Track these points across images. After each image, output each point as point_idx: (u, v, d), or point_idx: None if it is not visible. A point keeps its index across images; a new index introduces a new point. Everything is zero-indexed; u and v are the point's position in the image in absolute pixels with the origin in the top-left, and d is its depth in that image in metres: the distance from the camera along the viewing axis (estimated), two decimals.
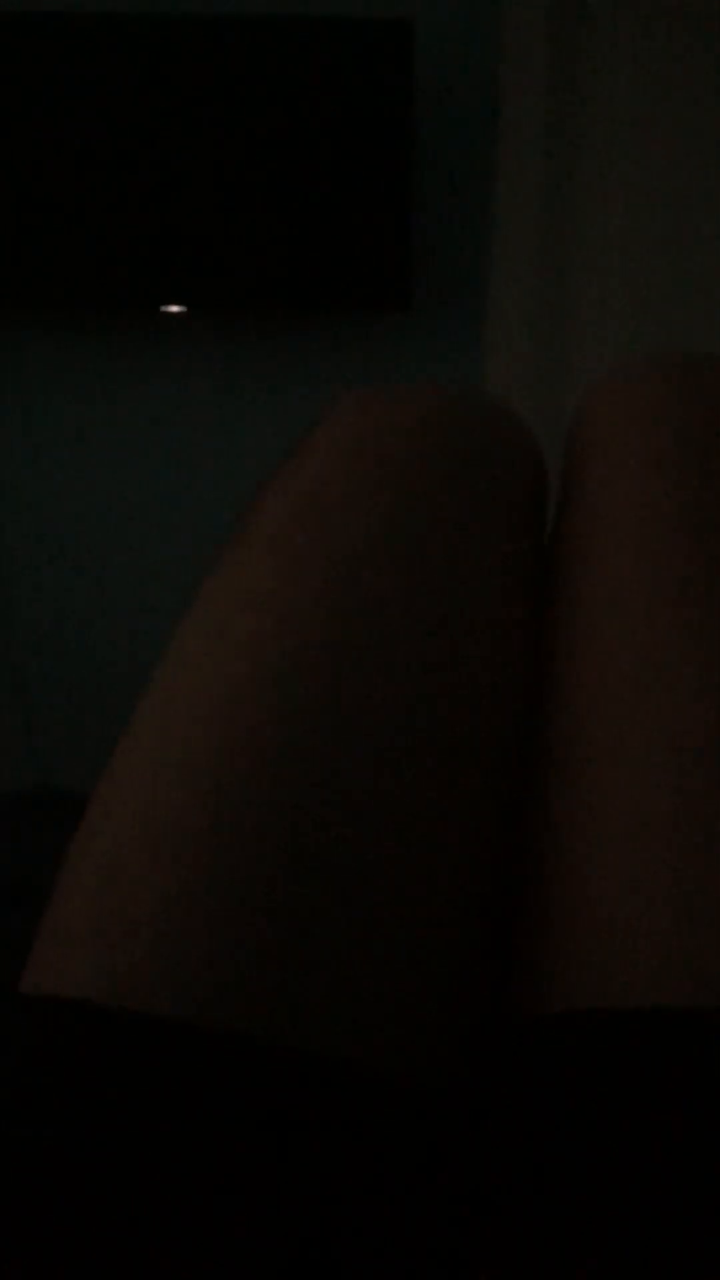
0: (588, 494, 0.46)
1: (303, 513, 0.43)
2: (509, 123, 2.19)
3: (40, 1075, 0.27)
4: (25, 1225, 0.24)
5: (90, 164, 2.09)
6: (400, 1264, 0.25)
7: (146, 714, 0.38)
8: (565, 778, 0.37)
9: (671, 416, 0.46)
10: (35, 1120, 0.26)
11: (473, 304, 2.27)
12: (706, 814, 0.33)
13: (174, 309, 2.16)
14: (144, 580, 2.36)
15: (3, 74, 2.05)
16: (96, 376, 2.30)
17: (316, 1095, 0.28)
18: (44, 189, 2.09)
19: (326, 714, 0.36)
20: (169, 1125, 0.26)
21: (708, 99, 2.25)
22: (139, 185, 2.09)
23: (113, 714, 2.41)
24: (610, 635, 0.40)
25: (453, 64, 2.20)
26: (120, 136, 2.08)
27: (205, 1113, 0.26)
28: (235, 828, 0.33)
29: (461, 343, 2.28)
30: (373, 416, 0.47)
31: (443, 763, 0.36)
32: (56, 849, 2.09)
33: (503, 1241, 0.25)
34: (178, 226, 2.10)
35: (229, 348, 2.29)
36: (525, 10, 2.16)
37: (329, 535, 0.42)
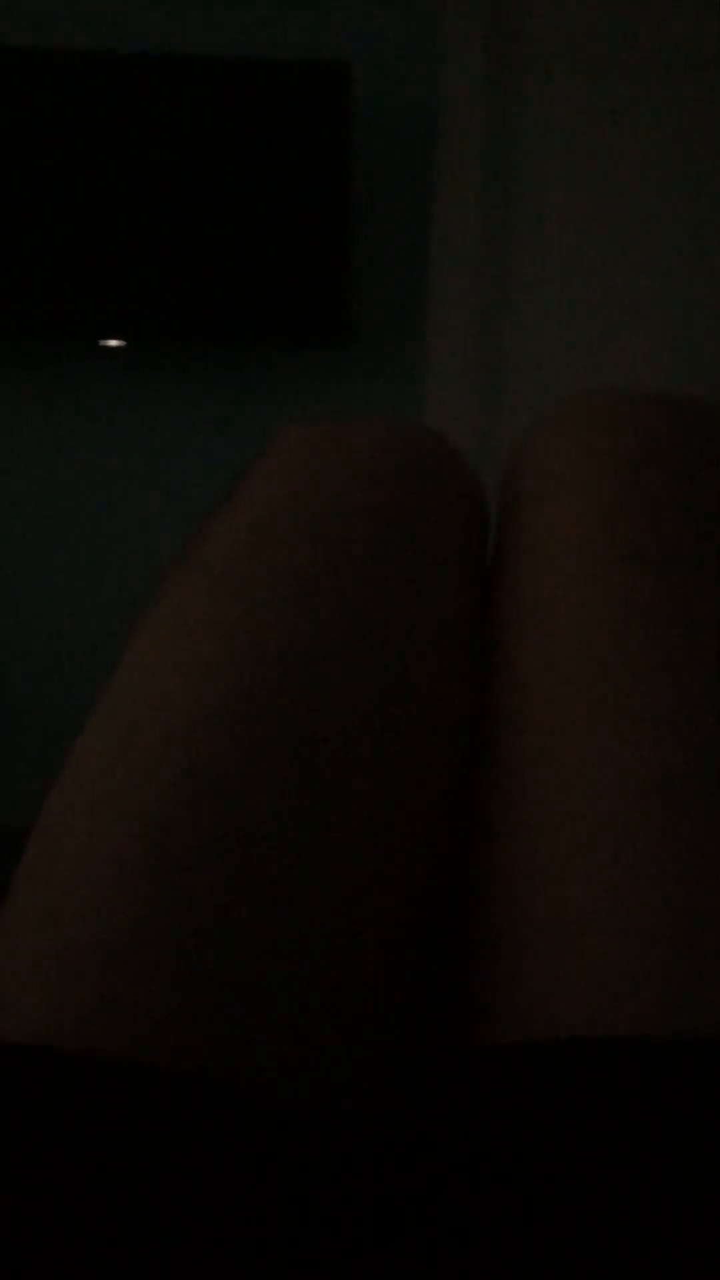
0: (527, 525, 0.47)
1: (248, 545, 0.43)
2: (447, 160, 2.22)
3: None
4: None
5: (27, 198, 2.08)
6: None
7: (89, 745, 0.38)
8: (511, 805, 0.37)
9: (607, 448, 0.46)
10: None
11: (412, 339, 2.29)
12: (653, 841, 0.33)
13: (113, 343, 2.15)
14: (75, 614, 2.34)
15: None
16: (34, 410, 2.28)
17: (262, 1134, 0.27)
18: None
19: (272, 746, 0.35)
20: (112, 1168, 0.25)
21: (644, 139, 2.30)
22: (77, 220, 2.09)
23: (41, 745, 2.37)
24: (553, 663, 0.40)
25: (391, 104, 2.23)
26: (57, 172, 2.08)
27: (149, 1154, 0.26)
28: (180, 862, 0.32)
29: (401, 377, 2.29)
30: (318, 450, 0.47)
31: (389, 792, 0.36)
32: None
33: (452, 1272, 0.25)
34: (117, 261, 2.09)
35: (168, 382, 2.28)
36: (463, 51, 2.20)
37: (274, 567, 0.41)
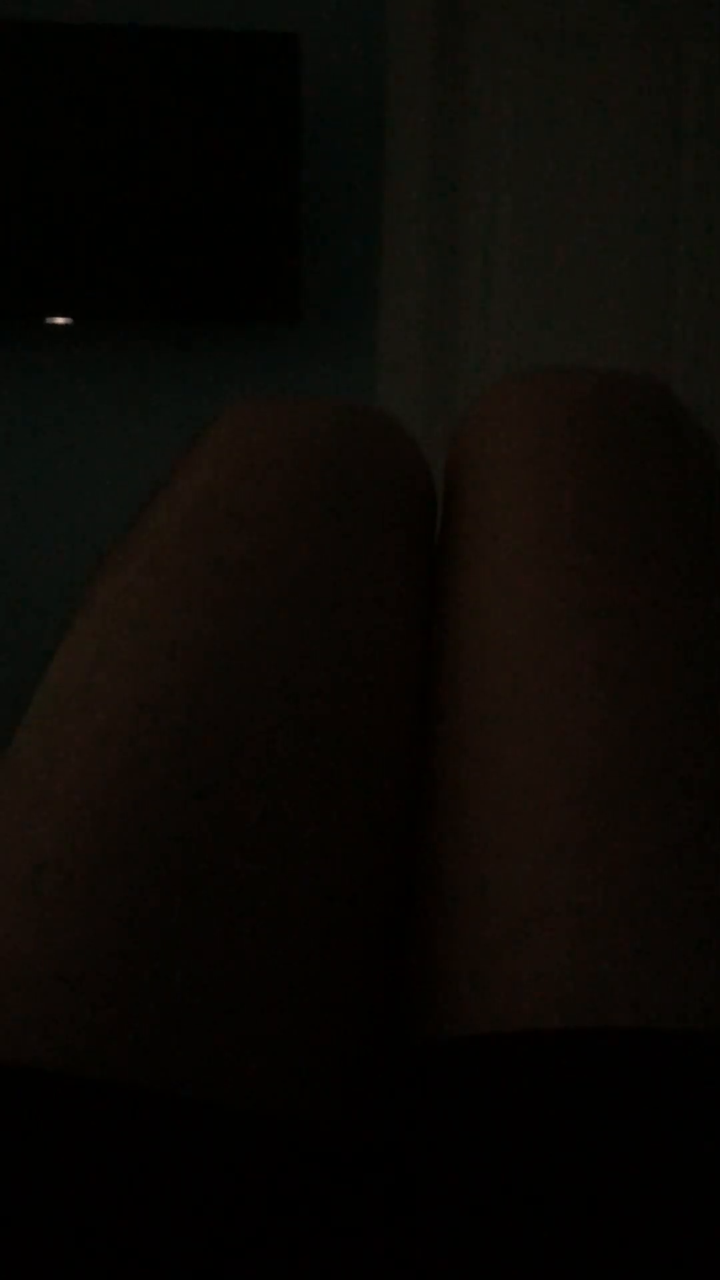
0: (471, 507, 0.46)
1: (186, 530, 0.42)
2: (396, 134, 2.21)
3: None
4: None
5: None
6: None
7: (26, 742, 0.37)
8: (459, 795, 0.37)
9: (549, 427, 0.46)
10: None
11: (362, 316, 2.27)
12: (602, 831, 0.32)
13: (59, 320, 2.12)
14: (21, 595, 2.31)
15: None
16: None
17: (202, 1143, 0.26)
18: None
19: (213, 740, 0.34)
20: (50, 1182, 0.25)
21: (594, 112, 2.30)
22: (19, 194, 2.05)
23: None
24: (501, 647, 0.39)
25: (339, 77, 2.20)
26: (0, 145, 2.04)
27: (87, 1169, 0.25)
28: (119, 861, 0.31)
29: (351, 354, 2.28)
30: (260, 430, 0.47)
31: (333, 783, 0.36)
32: None
33: (405, 1271, 0.25)
34: (63, 237, 2.06)
35: (115, 360, 2.26)
36: (411, 24, 2.18)
37: (212, 553, 0.41)
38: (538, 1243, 0.24)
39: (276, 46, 2.03)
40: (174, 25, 2.12)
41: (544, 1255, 0.24)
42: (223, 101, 2.04)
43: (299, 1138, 0.28)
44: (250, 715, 0.35)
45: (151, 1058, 0.28)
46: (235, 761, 0.34)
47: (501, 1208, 0.25)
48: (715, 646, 0.37)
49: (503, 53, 2.27)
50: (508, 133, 2.29)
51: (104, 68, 2.03)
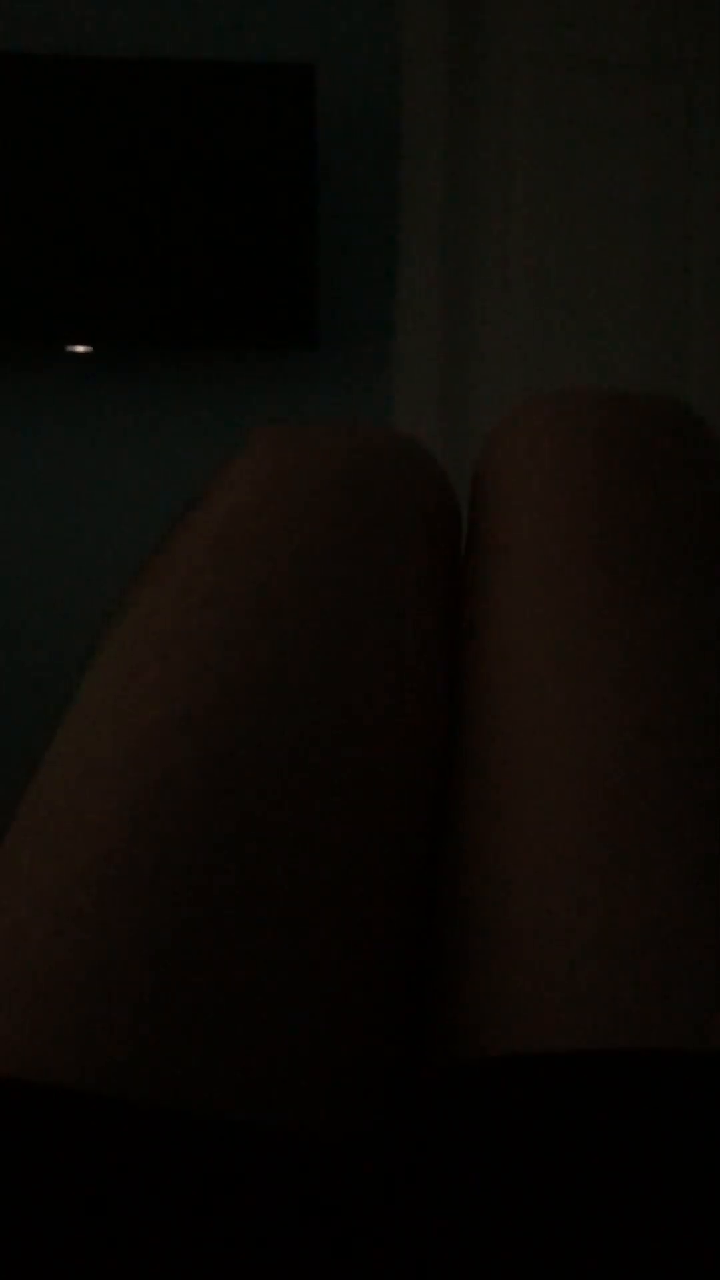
0: (497, 528, 0.47)
1: (214, 553, 0.42)
2: (410, 162, 2.23)
3: None
4: None
5: None
6: None
7: (55, 766, 0.37)
8: (482, 815, 0.37)
9: (574, 448, 0.46)
10: None
11: (379, 340, 2.29)
12: (625, 853, 0.32)
13: (80, 349, 2.14)
14: (44, 624, 2.33)
15: None
16: (1, 416, 2.27)
17: (233, 1162, 0.27)
18: None
19: (240, 761, 0.35)
20: (78, 1201, 0.25)
21: (606, 140, 2.31)
22: (43, 225, 2.08)
23: (7, 761, 2.36)
24: (524, 669, 0.39)
25: (354, 106, 2.23)
26: (20, 176, 2.07)
27: (117, 1186, 0.25)
28: (148, 885, 0.32)
29: (368, 379, 2.29)
30: (285, 456, 0.47)
31: (360, 803, 0.36)
32: None
33: None
34: (83, 266, 2.09)
35: (135, 387, 2.27)
36: (425, 54, 2.20)
37: (241, 576, 0.41)
38: (558, 1264, 0.24)
39: (292, 77, 2.06)
40: (192, 58, 2.15)
41: (565, 1277, 0.24)
42: (240, 131, 2.07)
43: (321, 1158, 0.28)
44: (278, 736, 0.36)
45: (182, 1073, 0.28)
46: (263, 781, 0.34)
47: (521, 1230, 0.25)
48: None
49: (516, 81, 2.28)
50: (522, 159, 2.31)
51: (123, 100, 2.06)
